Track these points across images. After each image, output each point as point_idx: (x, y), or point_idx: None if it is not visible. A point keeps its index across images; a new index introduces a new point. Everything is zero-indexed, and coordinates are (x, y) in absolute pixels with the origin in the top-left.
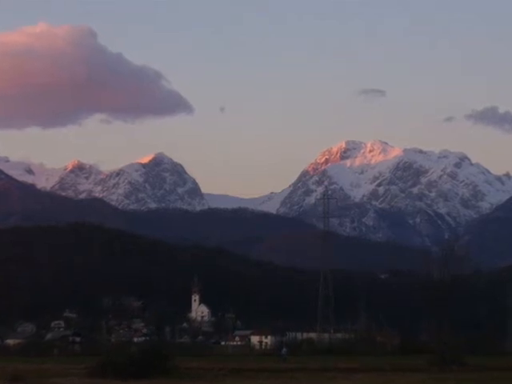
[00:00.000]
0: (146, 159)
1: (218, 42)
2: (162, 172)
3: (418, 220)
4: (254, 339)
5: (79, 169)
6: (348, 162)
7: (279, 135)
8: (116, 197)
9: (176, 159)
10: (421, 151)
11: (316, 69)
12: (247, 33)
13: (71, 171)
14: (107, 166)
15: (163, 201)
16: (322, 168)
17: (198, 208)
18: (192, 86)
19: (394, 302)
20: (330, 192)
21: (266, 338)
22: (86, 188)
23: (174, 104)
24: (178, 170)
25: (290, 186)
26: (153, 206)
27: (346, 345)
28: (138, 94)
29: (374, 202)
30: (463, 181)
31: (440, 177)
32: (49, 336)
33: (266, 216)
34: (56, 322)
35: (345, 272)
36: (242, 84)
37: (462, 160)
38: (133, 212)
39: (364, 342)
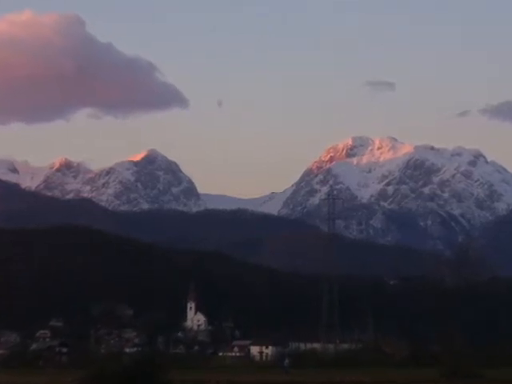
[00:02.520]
0: (138, 157)
1: (216, 33)
2: (155, 171)
3: (429, 222)
4: (254, 350)
5: (66, 167)
6: (355, 160)
7: (281, 131)
8: (106, 197)
9: (170, 157)
10: (433, 148)
11: (319, 61)
12: (246, 25)
13: (58, 170)
14: (96, 164)
15: (156, 201)
16: (327, 166)
17: (194, 209)
18: (188, 79)
19: (402, 310)
20: (335, 192)
21: (267, 348)
22: (73, 188)
23: (168, 98)
24: (173, 169)
25: (292, 186)
26: (145, 206)
27: (352, 355)
28: (129, 87)
29: (382, 203)
30: (478, 180)
31: (453, 176)
32: (34, 346)
33: (266, 217)
34: (42, 331)
35: (350, 277)
36: (241, 77)
37: (477, 158)
38: (124, 213)
39: (371, 353)
